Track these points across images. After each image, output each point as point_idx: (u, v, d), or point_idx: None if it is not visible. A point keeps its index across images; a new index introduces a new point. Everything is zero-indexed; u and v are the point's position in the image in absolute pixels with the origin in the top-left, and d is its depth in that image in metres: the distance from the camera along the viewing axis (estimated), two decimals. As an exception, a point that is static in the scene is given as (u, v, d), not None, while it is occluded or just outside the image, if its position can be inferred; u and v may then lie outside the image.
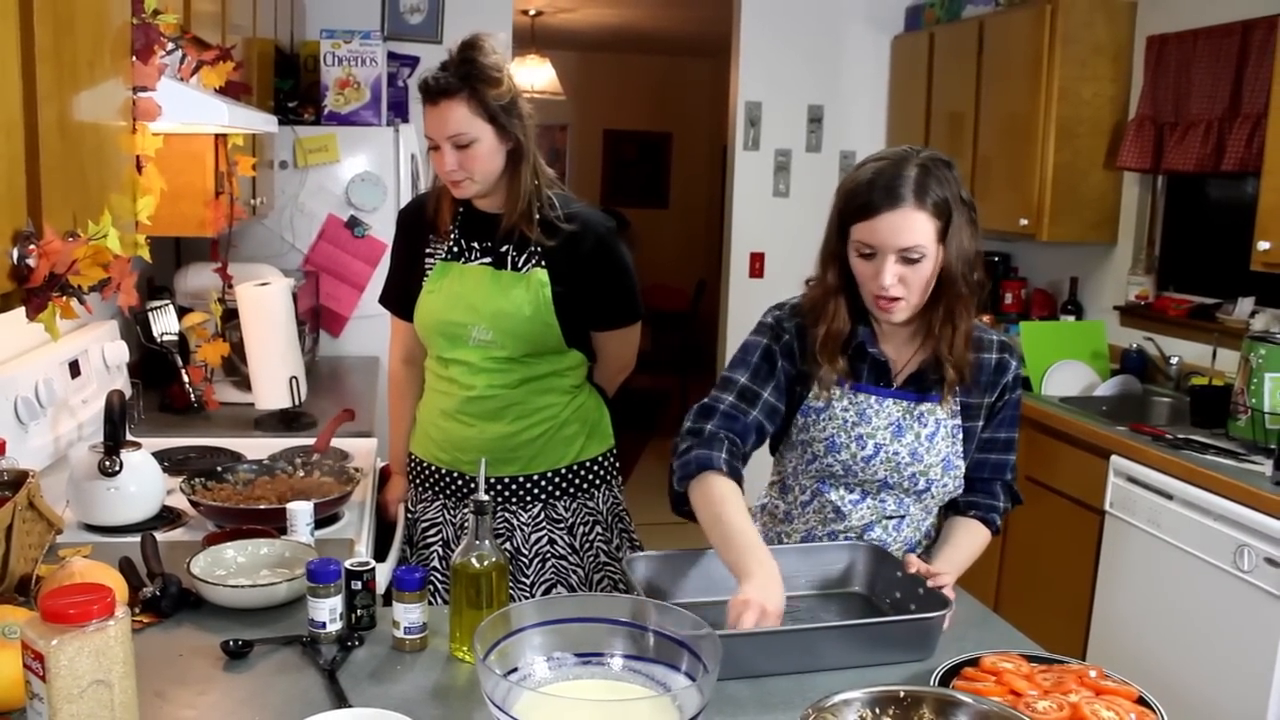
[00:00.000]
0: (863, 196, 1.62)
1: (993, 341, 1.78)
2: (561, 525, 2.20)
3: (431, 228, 2.18)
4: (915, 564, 1.65)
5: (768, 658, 1.46)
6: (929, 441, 1.74)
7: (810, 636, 1.51)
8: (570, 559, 2.20)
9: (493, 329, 2.09)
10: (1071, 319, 4.15)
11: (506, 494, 2.18)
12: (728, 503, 1.62)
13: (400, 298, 2.27)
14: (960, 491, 1.79)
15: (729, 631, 1.41)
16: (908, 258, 1.60)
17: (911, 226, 1.59)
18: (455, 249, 2.16)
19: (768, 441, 1.84)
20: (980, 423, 1.78)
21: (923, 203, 1.59)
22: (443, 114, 2.01)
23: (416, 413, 2.30)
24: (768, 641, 1.45)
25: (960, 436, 1.76)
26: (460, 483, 2.21)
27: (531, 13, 6.62)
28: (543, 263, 2.10)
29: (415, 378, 2.32)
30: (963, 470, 1.77)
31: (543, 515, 2.19)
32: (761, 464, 1.93)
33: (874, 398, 1.74)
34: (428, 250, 2.19)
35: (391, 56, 4.25)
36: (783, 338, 1.76)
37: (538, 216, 2.09)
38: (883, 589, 1.70)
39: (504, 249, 2.12)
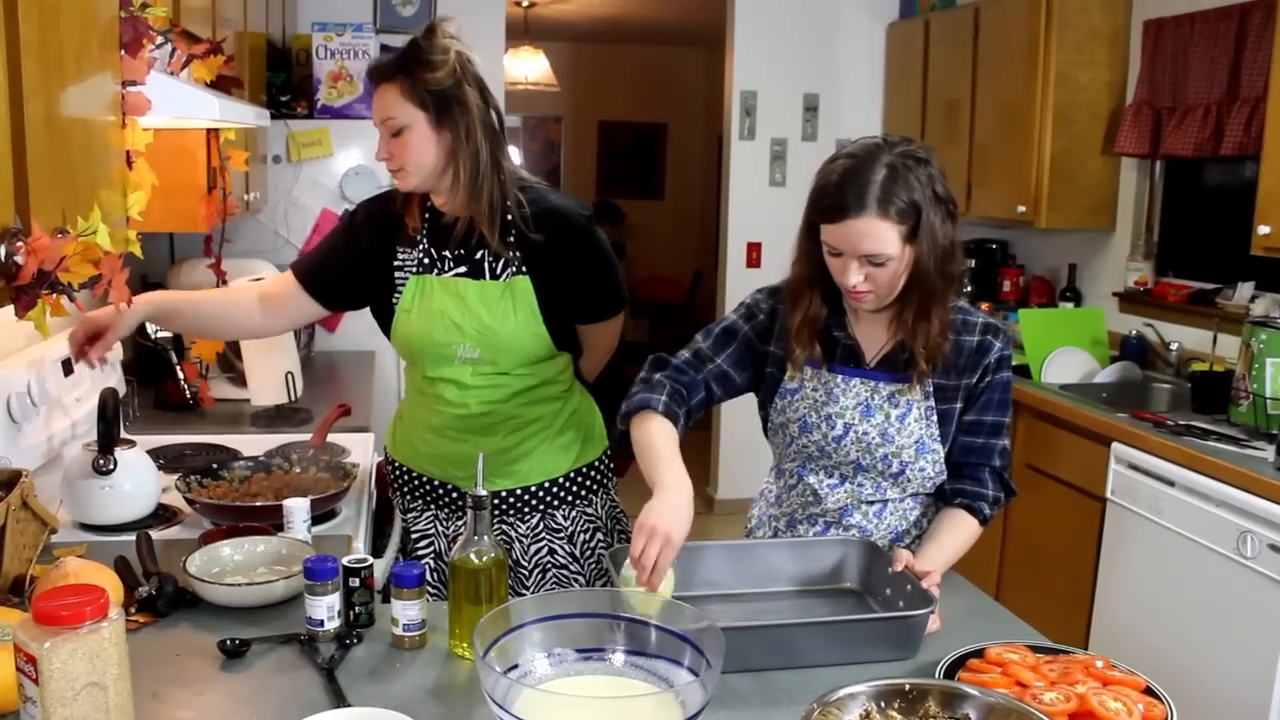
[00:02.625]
0: (829, 199, 1.62)
1: (976, 323, 1.75)
2: (561, 534, 2.12)
3: (399, 228, 2.02)
4: (904, 560, 1.63)
5: (743, 653, 1.41)
6: (900, 423, 1.73)
7: (789, 632, 1.49)
8: (571, 567, 2.13)
9: (480, 345, 1.96)
10: (1070, 306, 4.13)
11: (504, 507, 2.09)
12: (655, 433, 1.68)
13: (321, 279, 2.07)
14: (943, 477, 1.78)
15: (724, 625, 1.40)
16: (873, 261, 1.61)
17: (874, 234, 1.59)
18: (425, 260, 2.00)
19: (761, 428, 1.89)
20: (959, 405, 1.76)
21: (886, 211, 1.58)
22: (379, 97, 1.92)
23: (398, 415, 2.20)
24: (743, 636, 1.43)
25: (935, 419, 1.74)
26: (455, 495, 2.10)
27: (525, 4, 6.59)
28: (524, 269, 1.96)
29: (252, 313, 2.13)
30: (940, 453, 1.76)
31: (541, 525, 2.11)
32: (765, 453, 1.95)
33: (841, 377, 1.76)
34: (396, 262, 2.02)
35: (384, 49, 4.22)
36: (755, 318, 1.83)
37: (508, 217, 1.94)
38: (874, 585, 1.68)
39: (479, 255, 1.97)
